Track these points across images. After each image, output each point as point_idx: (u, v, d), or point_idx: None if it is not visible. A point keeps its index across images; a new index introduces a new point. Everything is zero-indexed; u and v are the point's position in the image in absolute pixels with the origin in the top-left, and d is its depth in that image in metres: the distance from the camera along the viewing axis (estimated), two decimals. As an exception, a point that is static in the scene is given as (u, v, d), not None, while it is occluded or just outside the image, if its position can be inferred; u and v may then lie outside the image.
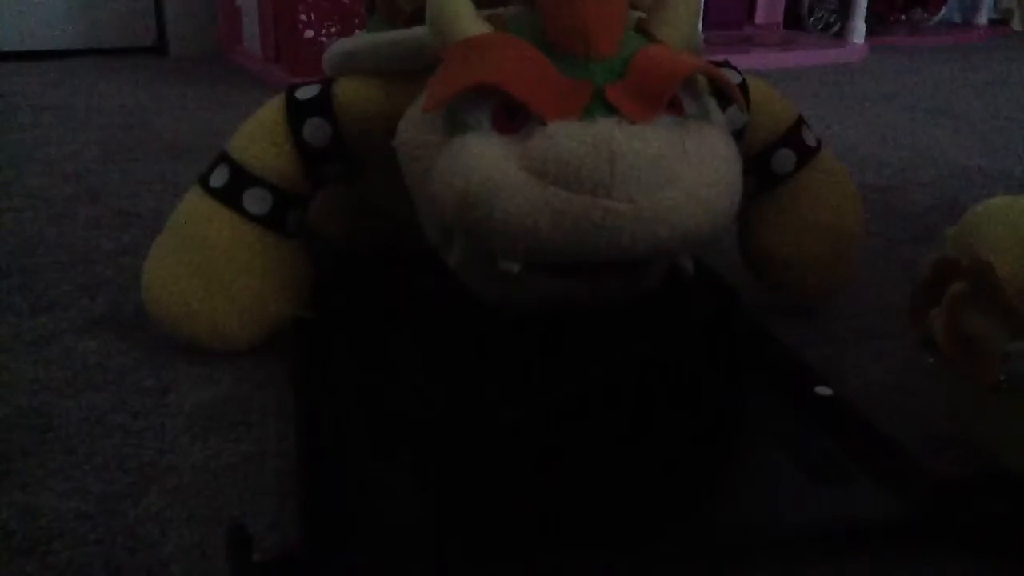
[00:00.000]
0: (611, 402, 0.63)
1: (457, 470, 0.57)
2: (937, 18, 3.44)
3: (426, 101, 0.58)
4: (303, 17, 1.86)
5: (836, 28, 2.99)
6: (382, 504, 0.53)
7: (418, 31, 0.67)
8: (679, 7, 0.63)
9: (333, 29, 1.87)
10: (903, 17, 3.34)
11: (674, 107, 0.58)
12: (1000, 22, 3.58)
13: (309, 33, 1.86)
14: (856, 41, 2.75)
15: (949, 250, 0.54)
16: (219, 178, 0.72)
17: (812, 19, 3.07)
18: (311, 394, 0.64)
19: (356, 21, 1.85)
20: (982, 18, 3.48)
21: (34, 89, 1.91)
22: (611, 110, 0.55)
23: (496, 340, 0.68)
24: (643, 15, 0.63)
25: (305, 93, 0.72)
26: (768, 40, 2.86)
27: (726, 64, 0.77)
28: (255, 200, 0.72)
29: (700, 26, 0.71)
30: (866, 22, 2.76)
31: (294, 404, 0.64)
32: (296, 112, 0.72)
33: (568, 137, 0.53)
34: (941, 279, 0.52)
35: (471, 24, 0.59)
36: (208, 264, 0.71)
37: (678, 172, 0.54)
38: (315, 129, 0.71)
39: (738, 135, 0.73)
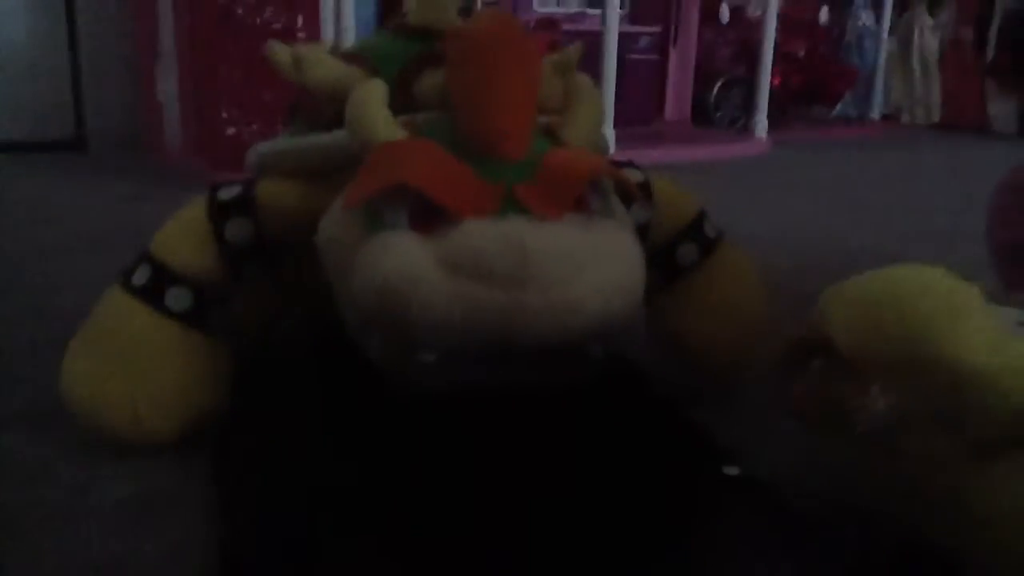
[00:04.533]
0: (524, 485, 0.65)
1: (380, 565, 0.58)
2: (834, 112, 3.65)
3: (346, 199, 0.61)
4: (224, 114, 1.89)
5: (741, 123, 3.15)
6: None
7: (338, 135, 0.70)
8: (584, 112, 0.68)
9: (255, 126, 1.90)
10: (803, 112, 3.53)
11: (581, 205, 0.62)
12: (891, 117, 3.81)
13: (231, 130, 1.89)
14: (760, 136, 2.90)
15: (807, 330, 0.61)
16: (141, 277, 0.73)
17: (718, 115, 3.22)
18: (232, 488, 0.64)
19: (279, 118, 1.89)
20: (875, 113, 3.71)
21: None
22: (523, 209, 0.59)
23: (412, 428, 0.69)
24: (550, 119, 0.68)
25: (227, 193, 0.75)
26: (677, 136, 2.99)
27: (629, 164, 0.82)
28: (177, 298, 0.73)
29: (607, 127, 0.75)
30: (768, 118, 2.92)
31: (216, 498, 0.64)
32: (218, 212, 0.74)
33: (482, 234, 0.57)
34: (798, 355, 0.60)
35: (388, 128, 0.63)
36: (129, 360, 0.72)
37: (586, 266, 0.58)
38: (237, 228, 0.73)
39: (643, 230, 0.78)
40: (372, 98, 0.63)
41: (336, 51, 0.79)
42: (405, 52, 0.74)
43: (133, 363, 0.72)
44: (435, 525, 0.60)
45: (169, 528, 0.64)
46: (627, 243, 0.63)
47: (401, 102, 0.68)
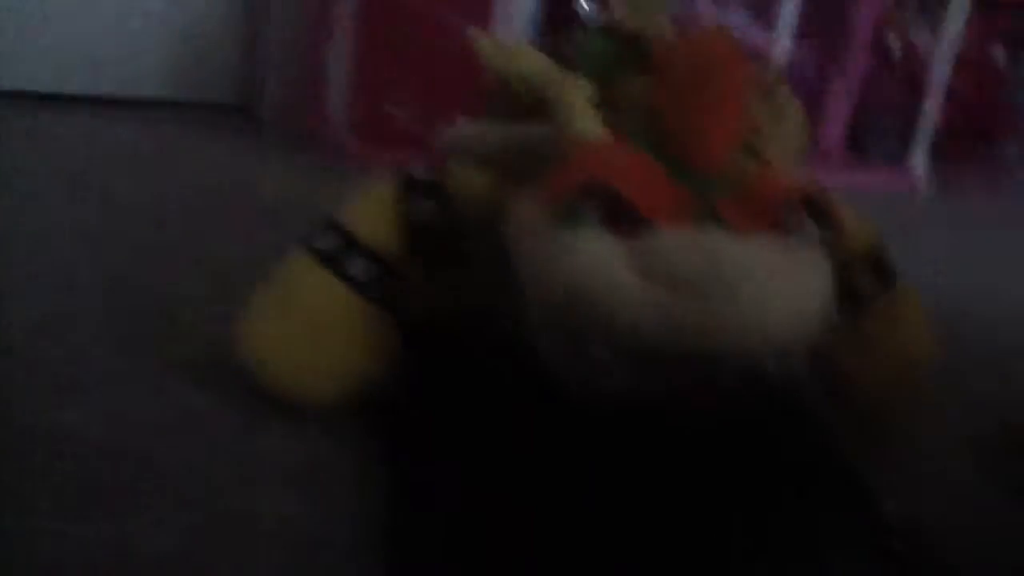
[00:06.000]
0: (688, 502, 0.64)
1: (535, 560, 0.58)
2: (1005, 156, 3.46)
3: (546, 192, 0.61)
4: (390, 93, 1.93)
5: (899, 158, 3.02)
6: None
7: (537, 129, 0.70)
8: (788, 131, 0.67)
9: (416, 112, 1.93)
10: (967, 153, 3.37)
11: (778, 224, 0.61)
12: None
13: (393, 113, 1.93)
14: (918, 172, 2.79)
15: None
16: (326, 243, 0.76)
17: (875, 147, 3.11)
18: (399, 481, 0.66)
19: (438, 106, 1.91)
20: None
21: (129, 138, 1.98)
22: (719, 222, 0.58)
23: (574, 437, 0.69)
24: (754, 138, 0.67)
25: (417, 175, 0.77)
26: (831, 164, 2.90)
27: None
28: (359, 268, 0.75)
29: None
30: (930, 156, 2.80)
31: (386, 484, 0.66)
32: (407, 192, 0.76)
33: (677, 242, 0.57)
34: None
35: (593, 128, 0.63)
36: (309, 323, 0.74)
37: (778, 286, 0.57)
38: (424, 210, 0.75)
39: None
40: (579, 96, 0.64)
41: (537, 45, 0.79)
42: (609, 53, 0.74)
43: (311, 326, 0.74)
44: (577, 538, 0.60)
45: (330, 495, 0.66)
46: (821, 266, 0.62)
47: (603, 103, 0.68)
